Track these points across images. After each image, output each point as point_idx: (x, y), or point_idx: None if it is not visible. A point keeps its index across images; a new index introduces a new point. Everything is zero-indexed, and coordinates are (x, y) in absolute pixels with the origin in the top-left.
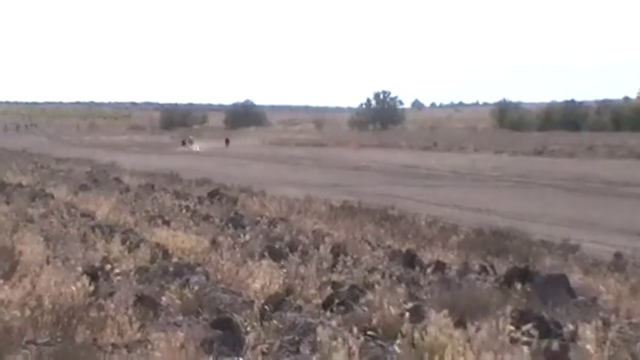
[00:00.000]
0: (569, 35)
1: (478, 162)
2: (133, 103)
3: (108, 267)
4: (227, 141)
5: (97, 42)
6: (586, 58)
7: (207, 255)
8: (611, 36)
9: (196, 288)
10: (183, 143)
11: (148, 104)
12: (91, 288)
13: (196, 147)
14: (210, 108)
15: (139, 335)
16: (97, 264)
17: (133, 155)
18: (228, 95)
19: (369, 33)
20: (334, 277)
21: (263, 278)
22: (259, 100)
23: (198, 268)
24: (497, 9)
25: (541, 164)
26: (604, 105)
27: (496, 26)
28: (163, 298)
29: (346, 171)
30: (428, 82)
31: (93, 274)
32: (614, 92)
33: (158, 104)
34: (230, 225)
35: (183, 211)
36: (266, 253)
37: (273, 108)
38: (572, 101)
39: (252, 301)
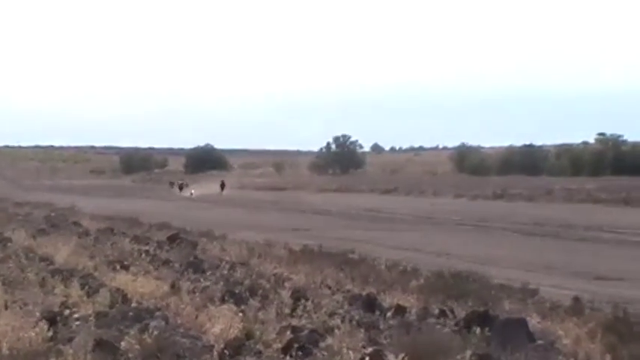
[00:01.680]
0: (529, 81)
1: (438, 206)
2: (93, 147)
3: (67, 312)
4: (223, 185)
5: (55, 85)
6: (545, 104)
7: (167, 299)
8: (569, 82)
9: (156, 333)
10: (181, 188)
11: (107, 148)
12: (50, 333)
13: (191, 191)
14: (171, 152)
15: None
16: (56, 309)
17: (93, 199)
18: (188, 139)
19: (328, 78)
20: (294, 321)
21: (223, 322)
22: (219, 143)
23: (158, 313)
24: (452, 57)
25: (500, 208)
26: (563, 149)
27: (454, 71)
28: (123, 343)
29: (306, 215)
30: (387, 126)
31: (51, 319)
32: (573, 137)
33: (118, 148)
34: (190, 269)
35: (143, 255)
36: (226, 298)
37: (233, 152)
38: (531, 145)
39: (212, 346)
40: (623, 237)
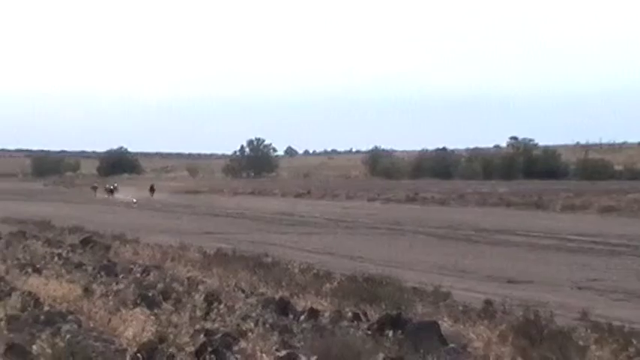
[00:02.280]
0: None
1: (351, 209)
2: (3, 150)
3: None
4: (152, 189)
5: None
6: (458, 107)
7: (80, 303)
8: (483, 85)
9: (68, 336)
10: (111, 192)
11: (18, 151)
12: None
13: (133, 199)
14: (84, 155)
15: None
16: None
17: (4, 202)
18: (101, 142)
19: (242, 80)
20: (208, 324)
21: (136, 326)
22: (133, 147)
23: (70, 317)
24: (365, 61)
25: (413, 212)
26: (475, 153)
27: (367, 74)
28: (34, 347)
29: (220, 218)
30: (301, 129)
31: None
32: (485, 141)
33: (29, 151)
34: (103, 273)
35: (55, 259)
36: (139, 301)
37: (146, 155)
38: (444, 149)
39: (125, 350)
40: (534, 240)
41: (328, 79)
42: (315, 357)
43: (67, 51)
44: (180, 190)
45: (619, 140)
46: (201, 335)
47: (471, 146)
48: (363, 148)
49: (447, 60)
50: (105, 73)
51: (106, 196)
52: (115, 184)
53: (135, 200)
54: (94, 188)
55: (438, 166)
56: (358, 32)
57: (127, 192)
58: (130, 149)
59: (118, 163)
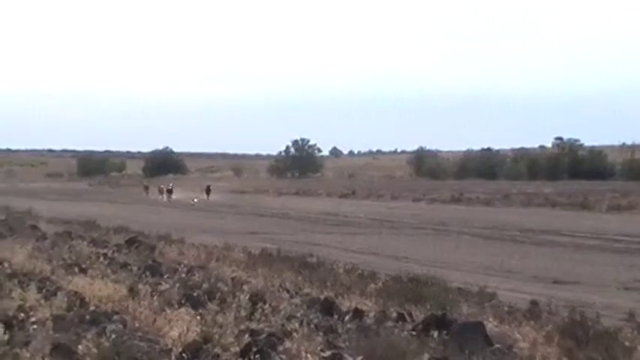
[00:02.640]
0: (488, 85)
1: (396, 210)
2: (50, 150)
3: (22, 315)
4: (208, 190)
5: (10, 88)
6: (504, 108)
7: (125, 303)
8: (528, 85)
9: (113, 336)
10: (169, 192)
11: (65, 151)
12: (6, 337)
13: (193, 199)
14: (129, 155)
15: None
16: (12, 312)
17: (51, 202)
18: (146, 142)
19: (288, 80)
20: (252, 325)
21: (181, 326)
22: (178, 147)
23: (116, 317)
24: (411, 61)
25: (458, 212)
26: (520, 153)
27: (413, 74)
28: (80, 347)
29: (265, 218)
30: (346, 130)
31: (8, 323)
32: (531, 141)
33: (75, 151)
34: (148, 273)
35: (101, 258)
36: (184, 301)
37: (191, 155)
38: (489, 149)
39: (170, 350)
40: (580, 241)
41: (373, 79)
42: (360, 357)
43: (113, 52)
44: (225, 190)
45: None
46: (246, 335)
47: (516, 146)
48: (408, 149)
49: (495, 60)
50: (151, 75)
51: (161, 197)
52: (171, 185)
53: (195, 200)
54: (146, 188)
55: (483, 166)
56: (401, 31)
57: (177, 192)
58: (175, 149)
59: (164, 164)
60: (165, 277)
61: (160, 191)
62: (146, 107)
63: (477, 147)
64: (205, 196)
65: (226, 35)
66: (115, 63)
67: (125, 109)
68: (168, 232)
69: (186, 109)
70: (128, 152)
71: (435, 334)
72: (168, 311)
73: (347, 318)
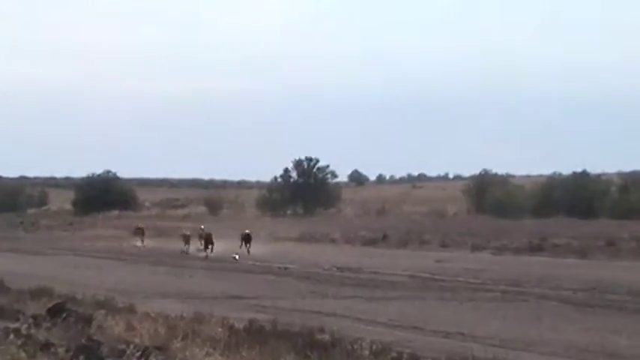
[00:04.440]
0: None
1: (447, 263)
2: None
3: None
4: (247, 239)
5: None
6: (605, 113)
7: None
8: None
9: None
10: (208, 243)
11: None
12: None
13: (235, 255)
14: (52, 183)
15: None
16: None
17: None
18: (78, 164)
19: (285, 74)
20: None
21: None
22: (124, 170)
23: None
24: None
25: (539, 266)
26: (632, 178)
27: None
28: None
29: (253, 276)
30: (373, 146)
31: None
32: None
33: None
34: (81, 357)
35: (11, 336)
36: None
37: (145, 183)
38: (584, 173)
39: None
40: None
41: (408, 76)
42: None
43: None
44: (194, 234)
45: None
46: None
47: (626, 169)
48: (465, 173)
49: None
50: (85, 65)
51: (202, 249)
52: (204, 228)
53: (237, 256)
54: (186, 238)
55: (576, 198)
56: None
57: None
58: (120, 174)
59: (104, 195)
60: None
61: (185, 239)
62: (77, 111)
63: (566, 170)
64: (245, 246)
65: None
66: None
67: (47, 112)
68: (111, 295)
69: (136, 114)
70: (52, 178)
71: None
72: None
73: None
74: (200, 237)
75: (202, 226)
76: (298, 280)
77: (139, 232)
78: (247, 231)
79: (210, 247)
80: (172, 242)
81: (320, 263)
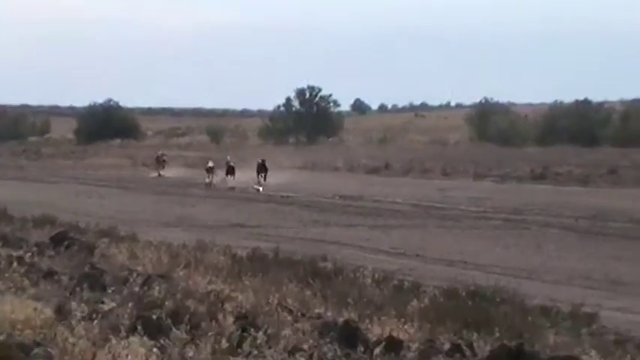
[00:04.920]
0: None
1: (449, 191)
2: None
3: None
4: (263, 167)
5: None
6: (607, 41)
7: (51, 330)
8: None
9: None
10: (230, 171)
11: None
12: None
13: (258, 186)
14: (55, 111)
15: None
16: None
17: None
18: (81, 93)
19: (287, 6)
20: None
21: None
22: (126, 100)
23: (37, 350)
24: None
25: (541, 194)
26: (634, 107)
27: None
28: None
29: (256, 205)
30: (375, 76)
31: None
32: None
33: None
34: (84, 285)
35: (14, 264)
36: (138, 327)
37: (147, 112)
38: (586, 101)
39: None
40: None
41: (413, 4)
42: None
43: None
44: (200, 162)
45: None
46: None
47: (629, 97)
48: (467, 101)
49: None
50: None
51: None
52: (230, 159)
53: (260, 187)
54: (210, 171)
55: (578, 126)
56: None
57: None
58: (122, 103)
59: (106, 124)
60: (109, 291)
61: (208, 171)
62: (79, 40)
63: (568, 98)
64: (259, 177)
65: None
66: None
67: (49, 43)
68: (114, 224)
69: (140, 44)
70: (55, 107)
71: None
72: (115, 342)
73: (377, 351)
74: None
75: (228, 157)
76: (301, 209)
77: (160, 160)
78: (263, 159)
79: (231, 177)
80: (179, 171)
81: (323, 192)
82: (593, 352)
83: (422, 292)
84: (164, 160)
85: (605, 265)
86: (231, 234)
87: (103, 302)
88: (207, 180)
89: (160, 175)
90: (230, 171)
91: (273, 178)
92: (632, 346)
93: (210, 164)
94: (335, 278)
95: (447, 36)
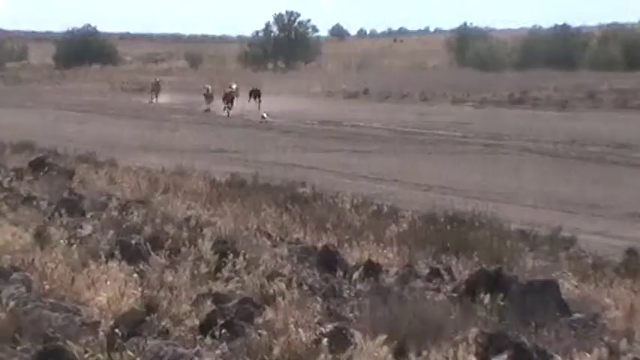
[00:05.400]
0: None
1: (428, 116)
2: None
3: None
4: (255, 93)
5: None
6: None
7: (29, 255)
8: None
9: (12, 303)
10: (231, 100)
11: None
12: None
13: (262, 114)
14: (33, 36)
15: None
16: None
17: None
18: (58, 18)
19: None
20: (218, 286)
21: (112, 289)
22: (105, 25)
23: (16, 275)
24: None
25: (520, 119)
26: (612, 31)
27: None
28: None
29: (235, 130)
30: (354, 1)
31: None
32: (627, 13)
33: None
34: (63, 210)
35: None
36: (117, 252)
37: (125, 37)
38: (565, 26)
39: (97, 323)
40: None
41: None
42: (379, 334)
43: None
44: (179, 87)
45: None
46: (209, 302)
47: (606, 21)
48: (446, 26)
49: None
50: None
51: (207, 105)
52: (235, 86)
53: (266, 115)
54: (208, 97)
55: (557, 51)
56: None
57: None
58: (100, 28)
59: (84, 49)
60: (88, 216)
61: (207, 97)
62: None
63: (547, 23)
64: (253, 101)
65: None
66: None
67: None
68: (93, 150)
69: None
70: (32, 32)
71: (486, 298)
72: (94, 267)
73: (356, 276)
74: (245, 94)
75: (234, 85)
76: (280, 134)
77: (155, 86)
78: (256, 88)
79: (229, 105)
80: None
81: (302, 117)
82: (569, 275)
83: (400, 217)
84: (158, 87)
85: (583, 189)
86: (211, 159)
87: (81, 227)
88: (205, 107)
89: (152, 102)
90: (232, 96)
91: (253, 103)
92: (609, 269)
93: (209, 88)
94: (314, 203)
95: None
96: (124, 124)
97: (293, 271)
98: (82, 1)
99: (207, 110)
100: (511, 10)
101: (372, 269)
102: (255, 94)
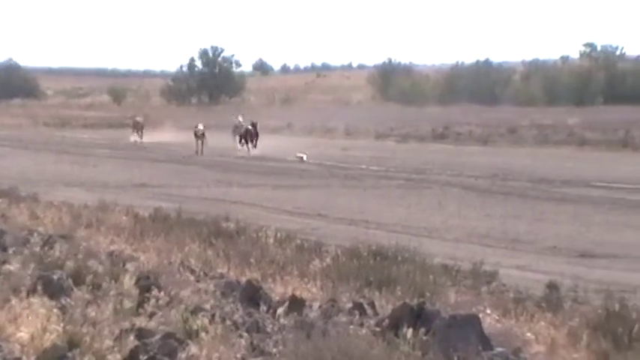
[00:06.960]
0: None
1: (352, 151)
2: None
3: None
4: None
5: None
6: (507, 3)
7: None
8: None
9: None
10: (252, 136)
11: None
12: None
13: (301, 155)
14: None
15: None
16: None
17: None
18: None
19: None
20: (141, 321)
21: (34, 324)
22: (27, 60)
23: None
24: None
25: (443, 154)
26: (534, 67)
27: None
28: None
29: (159, 165)
30: (277, 36)
31: None
32: (548, 50)
33: None
34: None
35: None
36: (39, 288)
37: (48, 72)
38: (487, 62)
39: (18, 359)
40: (619, 195)
41: None
42: None
43: None
44: (97, 122)
45: None
46: (132, 337)
47: (528, 58)
48: (370, 62)
49: None
50: None
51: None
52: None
53: (304, 156)
54: (137, 126)
55: (479, 86)
56: None
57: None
58: (22, 63)
59: (6, 84)
60: (10, 251)
61: (136, 128)
62: None
63: (469, 59)
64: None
65: None
66: None
67: None
68: (14, 184)
69: (39, 1)
70: None
71: (409, 332)
72: (15, 302)
73: (280, 311)
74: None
75: (200, 126)
76: (204, 168)
77: (137, 125)
78: (253, 122)
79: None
80: (71, 132)
81: (226, 152)
82: (491, 310)
83: (324, 251)
84: (141, 126)
85: (505, 224)
86: (134, 194)
87: (3, 263)
88: (133, 138)
89: (137, 141)
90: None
91: (176, 138)
92: (530, 303)
93: (200, 127)
94: (237, 238)
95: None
96: (46, 158)
97: (216, 306)
98: (4, 35)
99: (136, 142)
100: (434, 46)
101: (296, 304)
102: (250, 133)
